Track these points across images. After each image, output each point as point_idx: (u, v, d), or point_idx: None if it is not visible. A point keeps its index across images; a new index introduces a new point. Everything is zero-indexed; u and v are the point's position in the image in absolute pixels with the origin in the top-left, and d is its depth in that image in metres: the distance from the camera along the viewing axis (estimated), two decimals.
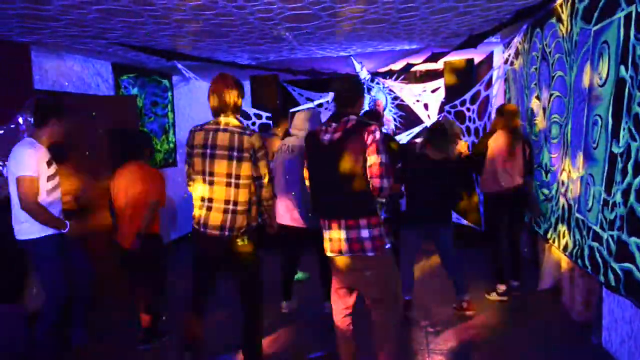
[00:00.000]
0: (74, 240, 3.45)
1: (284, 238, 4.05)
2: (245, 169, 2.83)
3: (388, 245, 2.64)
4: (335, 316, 2.91)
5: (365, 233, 2.56)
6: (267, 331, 3.55)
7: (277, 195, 3.91)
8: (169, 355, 3.59)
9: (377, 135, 2.49)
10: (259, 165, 2.86)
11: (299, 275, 5.09)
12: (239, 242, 2.91)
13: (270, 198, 3.01)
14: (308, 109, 4.35)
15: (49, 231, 3.23)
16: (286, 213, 3.93)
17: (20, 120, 4.12)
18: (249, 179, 2.86)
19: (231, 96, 2.87)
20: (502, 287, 4.25)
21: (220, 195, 2.84)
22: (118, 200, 3.67)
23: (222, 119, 2.88)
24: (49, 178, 3.25)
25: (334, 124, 2.61)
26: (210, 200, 2.86)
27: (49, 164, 3.26)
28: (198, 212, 2.93)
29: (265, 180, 2.91)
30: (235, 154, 2.81)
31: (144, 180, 3.60)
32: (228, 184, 2.83)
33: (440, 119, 7.00)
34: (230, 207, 2.84)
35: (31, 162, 3.11)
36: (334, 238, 2.64)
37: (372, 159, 2.47)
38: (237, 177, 2.82)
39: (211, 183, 2.85)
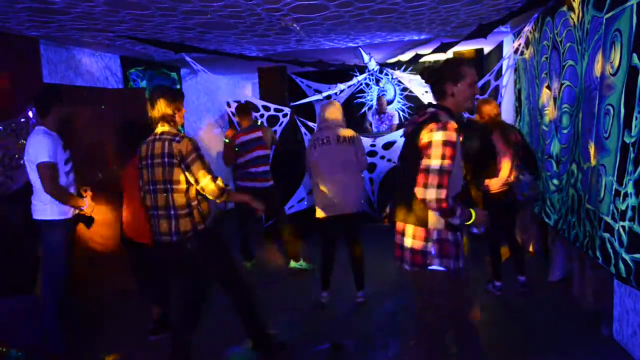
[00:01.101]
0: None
1: (324, 229, 4.14)
2: (177, 173, 2.86)
3: (436, 267, 2.30)
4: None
5: (408, 242, 2.33)
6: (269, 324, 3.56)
7: (319, 186, 4.03)
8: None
9: (436, 135, 2.16)
10: (191, 170, 2.85)
11: (304, 265, 5.12)
12: (187, 245, 2.91)
13: (218, 195, 2.93)
14: (329, 101, 4.38)
15: (66, 214, 3.46)
16: (330, 203, 3.98)
17: (30, 113, 4.15)
18: (182, 183, 2.88)
19: (161, 106, 2.96)
20: (496, 284, 4.21)
21: (162, 203, 2.91)
22: (129, 195, 3.70)
23: (159, 129, 2.97)
24: (66, 161, 3.49)
25: (416, 116, 2.39)
26: (156, 207, 2.94)
27: (64, 148, 3.48)
28: (151, 221, 3.00)
29: (203, 183, 2.86)
30: (166, 160, 2.86)
31: None
32: (165, 190, 2.89)
33: None
34: (171, 212, 2.89)
35: (49, 148, 3.30)
36: (397, 245, 2.44)
37: (422, 161, 2.19)
38: (170, 182, 2.87)
39: (154, 192, 2.93)
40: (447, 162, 2.15)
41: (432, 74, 2.40)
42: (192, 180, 2.87)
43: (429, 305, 2.41)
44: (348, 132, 4.04)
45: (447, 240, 2.28)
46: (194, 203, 2.93)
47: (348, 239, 4.16)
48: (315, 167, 4.03)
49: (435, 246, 2.27)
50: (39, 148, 3.29)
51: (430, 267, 2.29)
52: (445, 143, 2.15)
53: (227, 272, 3.16)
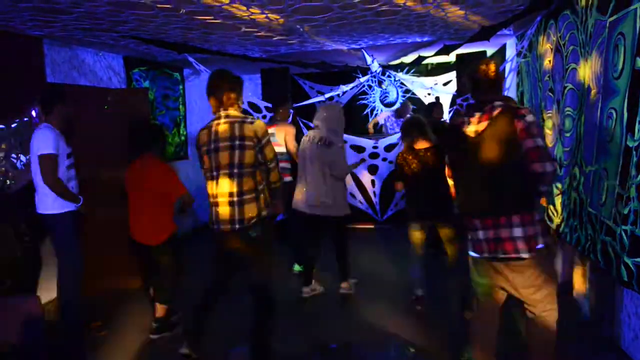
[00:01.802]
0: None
1: (304, 225, 4.26)
2: (249, 156, 2.79)
3: (541, 245, 2.47)
4: (484, 315, 2.76)
5: (518, 232, 2.41)
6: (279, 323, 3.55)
7: (300, 183, 4.16)
8: (180, 345, 3.62)
9: (529, 118, 2.38)
10: (265, 152, 2.83)
11: (301, 267, 5.12)
12: (251, 232, 2.83)
13: (277, 181, 2.98)
14: (329, 103, 4.42)
15: (70, 207, 3.53)
16: (306, 201, 4.11)
17: (34, 113, 4.17)
18: (252, 166, 2.81)
19: (225, 91, 2.91)
20: None
21: (225, 189, 2.80)
22: (135, 196, 3.71)
23: (222, 113, 2.91)
24: (68, 156, 3.57)
25: (477, 114, 2.47)
26: (216, 195, 2.84)
27: (66, 143, 3.57)
28: (212, 209, 2.91)
29: (272, 164, 2.90)
30: (237, 143, 2.78)
31: (160, 175, 3.66)
32: (231, 175, 2.79)
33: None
34: (236, 198, 2.79)
35: (50, 141, 3.40)
36: (483, 238, 2.49)
37: (528, 143, 2.36)
38: (240, 166, 2.78)
39: (217, 177, 2.83)
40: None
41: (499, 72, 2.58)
42: (267, 158, 2.85)
43: (540, 285, 2.52)
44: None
45: (540, 219, 2.50)
46: (261, 187, 2.87)
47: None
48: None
49: (539, 226, 2.45)
50: (43, 140, 3.39)
51: (537, 247, 2.44)
52: (537, 123, 2.43)
53: (268, 269, 3.04)
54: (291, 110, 6.42)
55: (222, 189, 2.81)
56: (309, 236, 4.36)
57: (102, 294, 4.50)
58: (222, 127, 2.84)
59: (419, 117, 4.15)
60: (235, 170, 2.78)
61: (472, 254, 2.62)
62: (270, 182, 2.96)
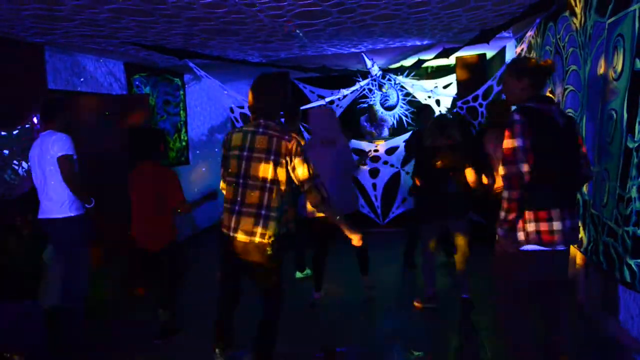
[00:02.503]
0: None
1: (315, 230, 4.20)
2: (281, 174, 2.70)
3: None
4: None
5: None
6: (291, 325, 3.53)
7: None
8: (182, 350, 3.64)
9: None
10: (297, 172, 2.70)
11: (303, 274, 5.10)
12: (268, 249, 2.75)
13: (319, 204, 2.77)
14: (321, 106, 4.40)
15: (77, 211, 3.55)
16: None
17: (35, 119, 4.18)
18: (283, 184, 2.72)
19: (271, 98, 2.78)
20: None
21: (254, 200, 2.72)
22: (137, 202, 3.72)
23: (262, 121, 2.76)
24: (76, 161, 3.58)
25: (555, 109, 2.51)
26: (242, 204, 2.74)
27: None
28: (228, 215, 2.81)
29: (306, 187, 2.73)
30: (272, 157, 2.68)
31: (162, 181, 3.67)
32: (262, 188, 2.70)
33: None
34: (263, 212, 2.71)
35: (69, 144, 3.47)
36: (565, 227, 2.46)
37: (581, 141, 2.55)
38: (273, 182, 2.69)
39: (245, 186, 2.73)
40: None
41: None
42: (299, 179, 2.71)
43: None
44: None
45: None
46: (285, 207, 2.79)
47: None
48: None
49: None
50: (62, 143, 3.43)
51: None
52: None
53: (278, 281, 2.95)
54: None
55: (251, 199, 2.73)
56: (318, 240, 4.33)
57: (104, 299, 4.50)
58: (260, 137, 2.72)
59: (445, 115, 4.17)
60: (268, 185, 2.70)
61: (547, 246, 2.46)
62: (312, 205, 2.82)
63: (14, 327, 3.64)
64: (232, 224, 2.77)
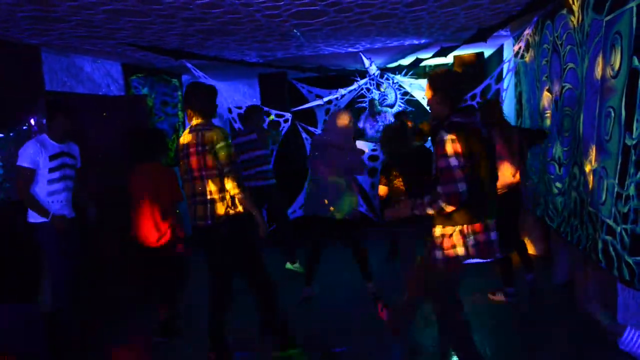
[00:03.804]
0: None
1: (314, 226, 4.30)
2: (208, 161, 3.05)
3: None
4: None
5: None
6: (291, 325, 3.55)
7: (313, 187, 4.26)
8: (183, 348, 3.64)
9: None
10: (219, 157, 3.04)
11: (292, 266, 5.16)
12: (221, 231, 3.09)
13: (238, 192, 3.08)
14: (339, 110, 4.51)
15: (38, 219, 3.52)
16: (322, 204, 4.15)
17: (32, 121, 4.17)
18: (214, 169, 3.06)
19: (196, 101, 3.15)
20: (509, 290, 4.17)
21: (198, 189, 3.10)
22: (137, 199, 3.73)
23: (193, 121, 3.18)
24: (52, 170, 3.52)
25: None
26: (194, 195, 3.12)
27: (55, 157, 3.53)
28: (190, 209, 3.18)
29: (225, 170, 3.07)
30: (199, 148, 3.05)
31: (163, 181, 3.70)
32: (200, 177, 3.09)
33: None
34: (208, 197, 3.08)
35: (28, 154, 3.44)
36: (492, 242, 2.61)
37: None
38: (205, 169, 3.06)
39: (192, 179, 3.13)
40: None
41: None
42: (221, 164, 3.05)
43: None
44: None
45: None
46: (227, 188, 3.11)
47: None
48: None
49: None
50: (21, 153, 3.46)
51: None
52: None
53: (253, 261, 3.27)
54: (290, 115, 6.48)
55: (197, 189, 3.11)
56: (319, 237, 4.36)
57: (105, 297, 4.50)
58: (192, 135, 3.12)
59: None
60: (204, 173, 3.08)
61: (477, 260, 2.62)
62: (228, 191, 3.11)
63: (12, 329, 3.64)
64: (192, 214, 3.17)
